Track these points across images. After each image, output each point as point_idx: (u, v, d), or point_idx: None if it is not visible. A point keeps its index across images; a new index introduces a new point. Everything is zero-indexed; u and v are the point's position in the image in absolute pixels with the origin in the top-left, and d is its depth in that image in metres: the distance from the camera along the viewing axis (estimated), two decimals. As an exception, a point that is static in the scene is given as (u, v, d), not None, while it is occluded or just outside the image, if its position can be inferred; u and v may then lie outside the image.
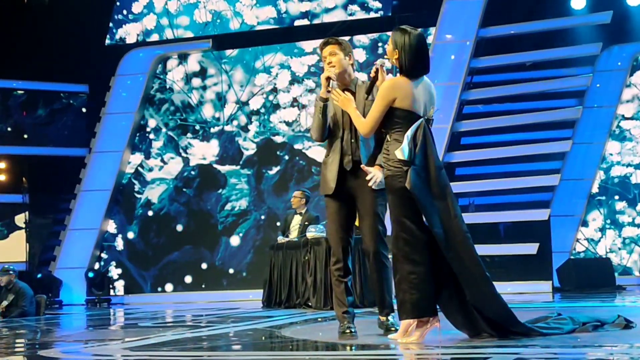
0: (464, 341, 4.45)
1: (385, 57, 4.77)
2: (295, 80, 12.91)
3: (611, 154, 11.98)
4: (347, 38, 12.58)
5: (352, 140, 5.00)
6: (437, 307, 4.56)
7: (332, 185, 5.03)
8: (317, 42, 12.62)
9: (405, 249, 4.41)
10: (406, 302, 4.40)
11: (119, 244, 13.21)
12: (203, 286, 12.80)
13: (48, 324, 8.47)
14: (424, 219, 4.44)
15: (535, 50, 12.07)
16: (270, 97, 12.93)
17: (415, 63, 4.55)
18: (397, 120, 4.48)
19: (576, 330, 4.55)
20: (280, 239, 9.97)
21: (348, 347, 4.70)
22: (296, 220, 10.12)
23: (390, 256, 4.86)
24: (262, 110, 13.05)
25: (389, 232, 4.79)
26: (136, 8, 13.58)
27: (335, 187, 5.02)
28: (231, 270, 12.79)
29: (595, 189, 11.92)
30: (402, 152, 4.38)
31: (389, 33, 12.91)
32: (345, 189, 5.04)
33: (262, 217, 12.73)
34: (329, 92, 4.98)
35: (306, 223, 9.86)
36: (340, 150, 5.03)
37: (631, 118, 11.98)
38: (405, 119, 4.46)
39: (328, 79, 4.99)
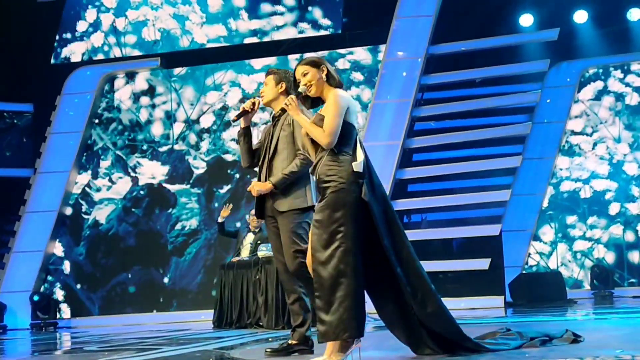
0: (411, 359, 4.36)
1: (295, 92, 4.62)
2: (246, 98, 12.82)
3: (561, 169, 12.09)
4: (296, 55, 12.74)
5: (268, 166, 5.18)
6: (383, 322, 4.49)
7: (256, 209, 5.25)
8: (267, 60, 12.75)
9: (355, 264, 4.21)
10: (352, 320, 4.17)
11: (66, 266, 12.92)
12: (153, 307, 12.56)
13: (-10, 349, 8.19)
14: (378, 231, 4.28)
15: (484, 67, 12.17)
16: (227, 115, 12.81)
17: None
18: (345, 133, 4.35)
19: (524, 345, 4.53)
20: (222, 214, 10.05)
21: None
22: (249, 239, 10.11)
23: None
24: (214, 128, 12.92)
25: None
26: (82, 26, 13.38)
27: (261, 211, 5.22)
28: (181, 291, 12.59)
29: (545, 204, 12.02)
30: (359, 165, 4.29)
31: (340, 50, 12.98)
32: (268, 216, 5.21)
33: (213, 236, 12.56)
34: (234, 120, 5.35)
35: (258, 242, 9.84)
36: (259, 175, 5.24)
37: (580, 133, 12.12)
38: (350, 133, 4.37)
39: (244, 109, 5.23)
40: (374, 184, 4.36)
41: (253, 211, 10.22)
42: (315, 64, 4.50)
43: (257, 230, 10.12)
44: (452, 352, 4.30)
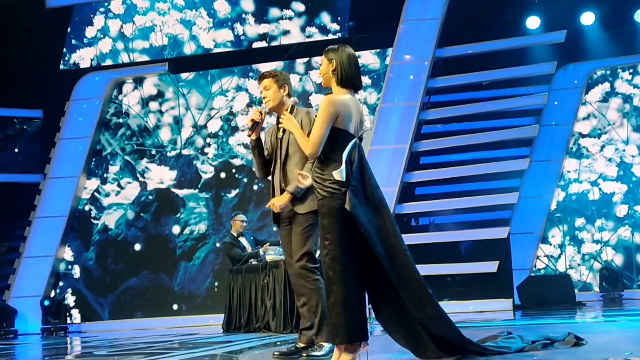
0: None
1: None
2: (252, 102, 12.86)
3: (569, 171, 12.08)
4: (304, 60, 12.77)
5: (281, 171, 5.18)
6: (381, 326, 4.49)
7: (273, 216, 5.26)
8: (274, 64, 12.76)
9: (343, 272, 4.21)
10: (341, 326, 4.20)
11: (76, 271, 12.97)
12: (162, 312, 12.59)
13: (2, 354, 8.24)
14: (368, 239, 4.26)
15: (491, 69, 12.15)
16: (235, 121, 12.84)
17: (355, 73, 4.46)
18: (334, 140, 4.32)
19: (525, 348, 4.51)
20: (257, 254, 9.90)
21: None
22: (245, 243, 10.22)
23: (317, 277, 5.03)
24: (220, 133, 12.95)
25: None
26: (90, 32, 13.45)
27: (277, 217, 5.24)
28: (190, 295, 12.62)
29: (554, 206, 12.00)
30: (340, 173, 4.25)
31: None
32: (284, 219, 5.23)
33: (222, 240, 12.57)
34: (250, 135, 5.21)
35: (252, 238, 10.08)
36: (272, 182, 5.26)
37: (587, 135, 12.10)
38: (342, 139, 4.32)
39: (253, 121, 5.16)
40: (372, 187, 4.34)
41: (239, 216, 10.37)
42: (328, 55, 4.46)
43: (241, 233, 10.30)
44: (455, 355, 4.30)
